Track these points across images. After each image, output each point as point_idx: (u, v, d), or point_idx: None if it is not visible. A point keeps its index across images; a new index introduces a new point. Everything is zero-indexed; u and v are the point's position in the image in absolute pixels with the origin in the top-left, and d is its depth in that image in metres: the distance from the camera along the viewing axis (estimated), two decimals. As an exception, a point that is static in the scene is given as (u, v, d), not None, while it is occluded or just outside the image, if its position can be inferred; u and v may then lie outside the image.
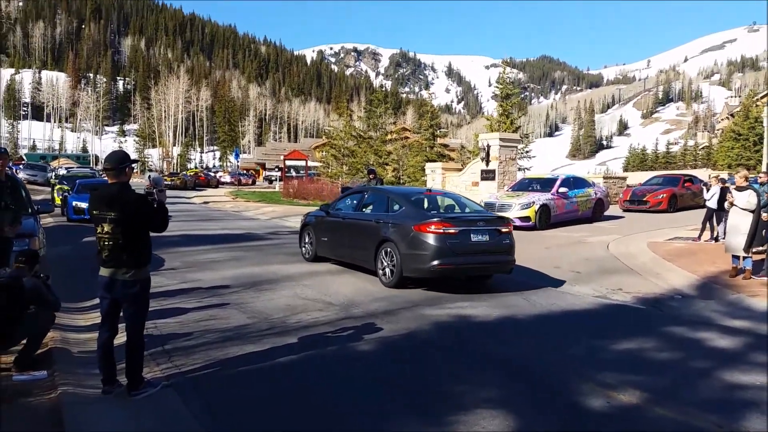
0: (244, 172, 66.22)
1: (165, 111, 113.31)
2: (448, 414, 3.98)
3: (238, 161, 61.64)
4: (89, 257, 6.19)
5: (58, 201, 20.13)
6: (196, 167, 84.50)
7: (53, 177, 33.29)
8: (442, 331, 6.24)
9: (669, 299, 8.07)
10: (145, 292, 4.30)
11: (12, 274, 4.83)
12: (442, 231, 7.92)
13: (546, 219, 15.40)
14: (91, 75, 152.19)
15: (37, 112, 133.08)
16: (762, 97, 49.37)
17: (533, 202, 15.27)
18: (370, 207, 9.67)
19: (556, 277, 9.47)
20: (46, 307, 4.90)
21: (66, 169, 41.24)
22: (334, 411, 4.09)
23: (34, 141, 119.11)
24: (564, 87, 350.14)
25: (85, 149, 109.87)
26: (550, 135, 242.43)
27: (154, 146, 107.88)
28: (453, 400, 4.27)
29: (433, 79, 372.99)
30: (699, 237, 12.84)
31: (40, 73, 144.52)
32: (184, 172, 57.63)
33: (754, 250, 8.85)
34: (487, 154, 19.37)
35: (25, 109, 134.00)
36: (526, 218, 14.94)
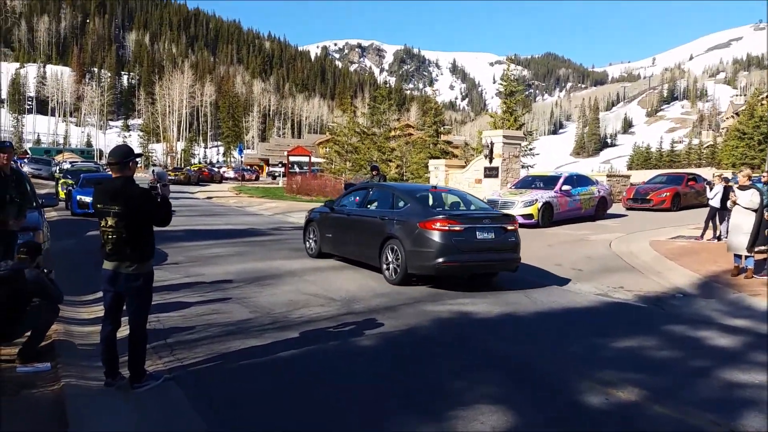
0: (248, 167, 66.34)
1: (169, 106, 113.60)
2: (447, 409, 4.01)
3: (241, 157, 61.72)
4: (93, 251, 6.24)
5: (62, 195, 20.20)
6: (199, 162, 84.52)
7: (57, 171, 33.35)
8: (442, 328, 6.27)
9: (670, 298, 8.07)
10: (148, 285, 4.34)
11: (14, 267, 4.87)
12: (447, 228, 7.89)
13: (549, 216, 15.40)
14: (96, 69, 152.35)
15: (42, 107, 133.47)
16: (767, 96, 49.14)
17: (536, 200, 15.27)
18: (375, 203, 9.61)
19: (558, 274, 9.48)
20: (49, 299, 4.93)
21: (70, 163, 41.35)
22: (336, 405, 4.12)
23: (38, 135, 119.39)
24: (569, 84, 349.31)
25: (89, 143, 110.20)
26: (555, 132, 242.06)
27: (158, 141, 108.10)
28: (453, 395, 4.30)
29: (437, 75, 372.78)
30: (701, 236, 12.83)
31: (44, 67, 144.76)
32: (188, 167, 57.77)
33: (756, 249, 8.84)
34: (491, 152, 19.36)
35: (30, 103, 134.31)
36: (529, 216, 14.94)
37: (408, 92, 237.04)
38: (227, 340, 5.46)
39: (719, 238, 12.40)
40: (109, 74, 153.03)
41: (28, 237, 6.41)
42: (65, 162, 43.56)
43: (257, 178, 59.02)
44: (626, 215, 18.49)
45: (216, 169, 60.43)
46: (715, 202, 12.69)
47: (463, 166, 23.31)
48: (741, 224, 8.83)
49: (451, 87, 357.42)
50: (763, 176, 11.52)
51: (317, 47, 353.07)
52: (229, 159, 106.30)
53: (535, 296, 7.88)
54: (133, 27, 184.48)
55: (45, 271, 5.19)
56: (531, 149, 33.15)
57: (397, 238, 8.32)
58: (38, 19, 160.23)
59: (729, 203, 9.35)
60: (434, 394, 4.34)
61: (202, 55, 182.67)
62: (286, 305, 6.96)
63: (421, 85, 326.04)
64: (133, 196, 4.16)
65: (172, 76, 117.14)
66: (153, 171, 4.49)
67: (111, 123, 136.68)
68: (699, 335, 6.25)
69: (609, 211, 17.84)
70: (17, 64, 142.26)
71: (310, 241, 10.75)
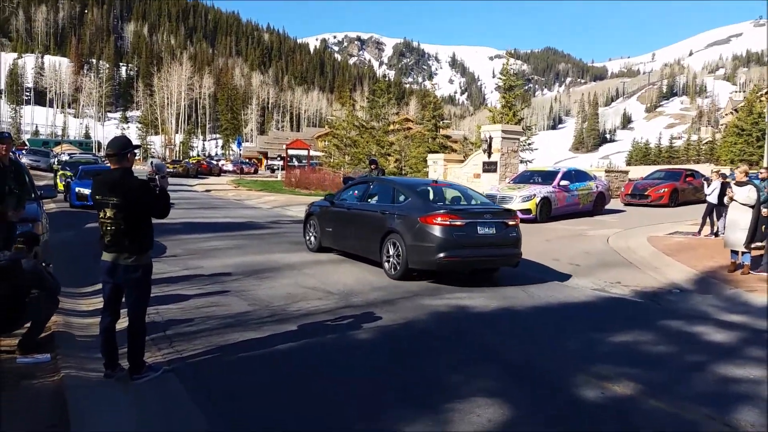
0: (247, 160, 66.21)
1: (168, 98, 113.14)
2: (444, 402, 4.04)
3: (240, 150, 61.57)
4: (92, 243, 6.25)
5: (60, 187, 20.16)
6: (198, 155, 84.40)
7: (56, 163, 33.31)
8: (440, 322, 6.30)
9: (667, 293, 8.11)
10: (147, 277, 4.36)
11: (11, 257, 4.88)
12: (448, 223, 7.87)
13: (547, 212, 15.42)
14: (94, 61, 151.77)
15: (40, 98, 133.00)
16: (766, 93, 49.14)
17: (534, 195, 15.29)
18: (376, 198, 9.57)
19: (556, 269, 9.51)
20: (46, 290, 4.94)
21: (69, 155, 41.27)
22: (334, 399, 4.15)
23: (36, 126, 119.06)
24: (568, 79, 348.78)
25: (87, 135, 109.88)
26: (554, 128, 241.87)
27: (156, 133, 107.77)
28: (450, 389, 4.33)
29: (436, 69, 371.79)
30: (699, 232, 12.87)
31: (42, 57, 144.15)
32: (187, 160, 57.60)
33: (753, 245, 8.88)
34: (489, 146, 19.37)
35: (28, 94, 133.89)
36: (527, 211, 14.96)
37: (407, 86, 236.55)
38: (226, 333, 5.49)
39: (716, 234, 12.44)
40: (108, 65, 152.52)
41: (27, 228, 6.42)
42: (64, 154, 43.44)
43: (256, 171, 58.89)
44: (624, 211, 18.53)
45: (214, 162, 60.29)
46: (713, 199, 12.73)
47: (462, 161, 23.31)
48: (738, 220, 8.87)
49: (451, 81, 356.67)
50: (761, 173, 11.54)
51: (316, 40, 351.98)
52: (227, 152, 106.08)
53: (532, 291, 7.91)
54: (131, 18, 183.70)
55: (44, 264, 5.21)
56: (530, 144, 33.09)
57: (397, 233, 8.30)
58: (36, 8, 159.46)
59: (726, 199, 9.38)
60: (432, 387, 4.37)
61: (200, 47, 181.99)
62: (285, 298, 6.98)
63: (420, 79, 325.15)
64: (131, 187, 4.17)
65: (170, 67, 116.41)
66: (151, 163, 4.50)
67: (109, 115, 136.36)
68: (695, 330, 6.29)
69: (607, 207, 17.88)
70: (15, 54, 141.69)
71: (310, 235, 10.71)
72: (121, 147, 4.26)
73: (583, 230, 13.80)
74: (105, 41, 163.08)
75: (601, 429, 3.80)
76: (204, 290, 7.24)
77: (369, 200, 9.62)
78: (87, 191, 15.88)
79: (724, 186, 11.77)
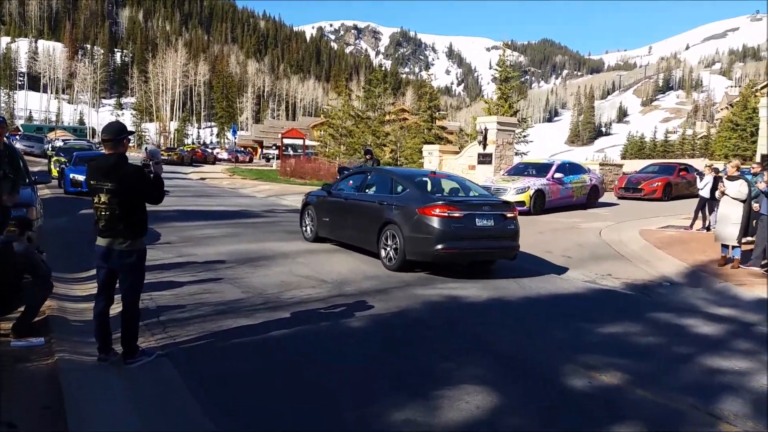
0: (242, 149, 66.08)
1: (162, 85, 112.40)
2: (434, 389, 4.10)
3: (235, 138, 61.44)
4: (86, 229, 6.26)
5: (54, 173, 20.08)
6: (193, 143, 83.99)
7: (50, 149, 33.12)
8: (432, 311, 6.36)
9: (657, 286, 8.20)
10: (141, 262, 4.39)
11: (2, 239, 4.88)
12: (446, 214, 7.84)
13: (540, 204, 15.50)
14: (88, 46, 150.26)
15: (34, 83, 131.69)
16: (761, 88, 49.30)
17: (528, 187, 15.35)
18: (374, 188, 9.49)
19: (548, 261, 9.59)
20: (37, 275, 4.93)
21: (63, 141, 41.04)
22: (327, 386, 4.19)
23: (30, 112, 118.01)
24: (565, 72, 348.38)
25: (81, 121, 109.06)
26: (550, 120, 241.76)
27: (151, 120, 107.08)
28: (440, 377, 4.39)
29: (433, 59, 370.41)
30: (691, 226, 12.97)
31: (36, 42, 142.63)
32: (181, 148, 57.44)
33: (744, 240, 8.97)
34: (485, 138, 19.39)
35: (21, 78, 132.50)
36: (521, 203, 14.99)
37: (404, 76, 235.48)
38: (219, 319, 5.53)
39: (708, 228, 12.55)
40: (102, 51, 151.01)
41: (21, 213, 6.42)
42: (58, 140, 43.23)
43: (251, 160, 58.78)
44: (617, 204, 18.63)
45: (209, 150, 60.16)
46: (705, 193, 12.82)
47: (458, 152, 23.33)
48: (729, 214, 8.95)
49: (447, 72, 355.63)
50: (753, 167, 11.63)
51: (313, 28, 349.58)
52: (222, 140, 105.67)
53: (524, 282, 7.98)
54: (126, 3, 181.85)
55: (37, 250, 5.22)
56: (525, 136, 33.14)
57: (395, 224, 8.27)
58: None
59: (717, 193, 9.46)
60: (424, 376, 4.43)
61: (195, 34, 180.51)
62: (278, 286, 7.02)
63: (417, 69, 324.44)
64: (126, 173, 4.19)
65: (165, 54, 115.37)
66: (146, 149, 4.52)
67: (104, 101, 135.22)
68: (684, 323, 6.38)
69: (601, 200, 17.97)
70: (8, 39, 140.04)
71: (307, 225, 10.63)
72: (117, 132, 4.27)
73: (576, 223, 13.88)
74: (99, 26, 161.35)
75: (587, 416, 3.87)
76: (197, 277, 7.27)
77: (367, 191, 9.54)
78: (81, 177, 15.81)
79: (717, 180, 11.87)
